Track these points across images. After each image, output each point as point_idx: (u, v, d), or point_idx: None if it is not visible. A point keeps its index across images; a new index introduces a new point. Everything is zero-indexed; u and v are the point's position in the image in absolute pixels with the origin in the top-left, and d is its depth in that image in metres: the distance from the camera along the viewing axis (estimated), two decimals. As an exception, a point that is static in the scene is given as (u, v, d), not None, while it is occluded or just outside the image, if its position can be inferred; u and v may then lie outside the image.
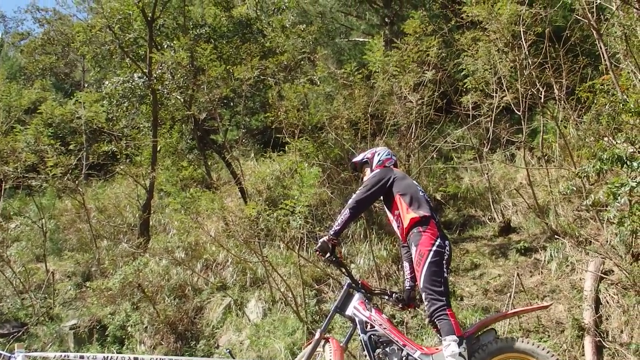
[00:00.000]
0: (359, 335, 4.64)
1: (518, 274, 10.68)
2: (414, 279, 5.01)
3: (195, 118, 15.66)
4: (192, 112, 15.14)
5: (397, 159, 5.41)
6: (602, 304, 10.03)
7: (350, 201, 4.72)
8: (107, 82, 16.73)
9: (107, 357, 5.10)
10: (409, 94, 12.68)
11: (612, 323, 9.78)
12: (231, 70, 14.23)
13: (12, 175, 14.47)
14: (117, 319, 12.56)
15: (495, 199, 13.12)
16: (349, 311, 4.71)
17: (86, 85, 20.57)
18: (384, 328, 4.57)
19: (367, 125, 12.75)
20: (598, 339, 9.34)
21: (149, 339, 12.03)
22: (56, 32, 20.21)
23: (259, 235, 11.96)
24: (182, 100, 15.29)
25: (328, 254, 4.58)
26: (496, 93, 12.03)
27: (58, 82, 22.89)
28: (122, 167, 16.38)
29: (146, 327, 12.22)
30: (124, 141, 16.20)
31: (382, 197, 4.92)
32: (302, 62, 15.80)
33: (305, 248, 12.74)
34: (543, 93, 11.33)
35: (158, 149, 15.58)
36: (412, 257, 4.82)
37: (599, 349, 9.27)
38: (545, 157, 12.35)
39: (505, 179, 13.54)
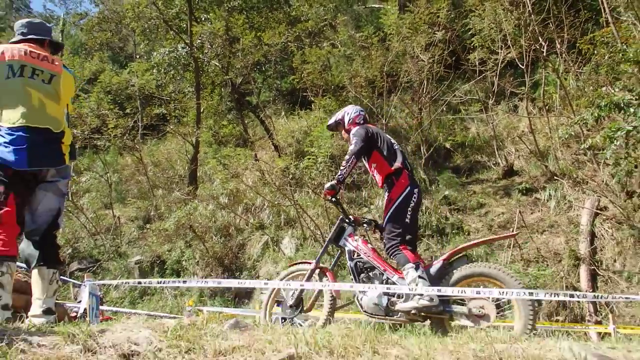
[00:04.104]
0: (347, 262, 4.59)
1: (520, 212, 10.21)
2: None
3: (232, 82, 15.20)
4: (229, 76, 14.71)
5: (365, 114, 5.07)
6: (597, 237, 9.61)
7: (349, 153, 4.58)
8: (155, 53, 16.22)
9: (160, 281, 4.79)
10: (420, 53, 12.07)
11: (606, 253, 9.42)
12: (261, 38, 13.64)
13: (80, 137, 14.27)
14: (174, 254, 12.54)
15: (500, 145, 12.45)
16: (341, 242, 4.66)
17: (137, 57, 20.18)
18: (368, 256, 4.52)
19: (383, 83, 12.24)
20: (593, 267, 9.04)
21: (200, 271, 11.99)
22: (110, 11, 19.63)
23: (290, 182, 11.64)
24: (220, 66, 14.80)
25: (334, 195, 4.53)
26: (501, 49, 11.23)
27: (113, 55, 22.55)
28: (171, 126, 16.20)
29: (197, 261, 12.20)
30: (172, 104, 15.90)
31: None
32: (324, 28, 15.08)
33: (331, 192, 12.33)
34: (545, 47, 10.50)
35: (201, 110, 15.18)
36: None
37: (593, 276, 9.01)
38: (546, 107, 11.61)
39: (509, 128, 12.81)
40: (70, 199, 13.64)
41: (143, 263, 12.87)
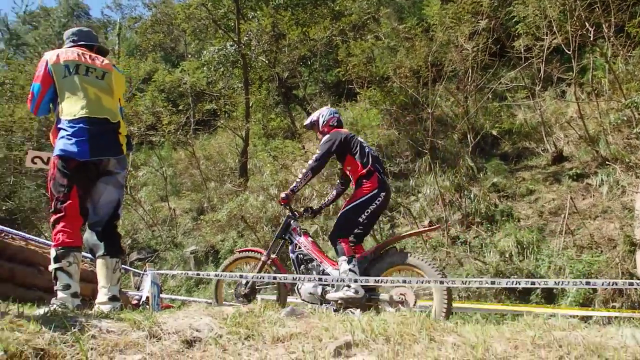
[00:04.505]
0: (290, 254, 4.92)
1: (571, 198, 10.06)
2: (327, 205, 5.56)
3: (279, 77, 15.54)
4: (276, 71, 15.02)
5: (339, 116, 5.26)
6: (652, 222, 9.36)
7: (310, 162, 4.84)
8: (205, 52, 16.76)
9: (218, 274, 5.07)
10: (465, 42, 11.97)
11: (662, 238, 9.14)
12: (307, 33, 13.87)
13: (136, 134, 14.92)
14: (227, 244, 12.94)
15: (548, 132, 12.26)
16: (286, 236, 5.02)
17: (188, 56, 20.73)
18: (308, 249, 4.86)
19: (427, 73, 12.20)
20: (649, 252, 8.78)
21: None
22: (161, 14, 20.33)
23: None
24: (267, 62, 15.16)
25: (287, 203, 4.97)
26: (546, 35, 11.05)
27: (166, 55, 23.18)
28: (222, 121, 16.66)
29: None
30: (222, 100, 16.37)
31: (335, 155, 4.97)
32: (367, 21, 15.17)
33: (378, 182, 12.47)
34: (592, 32, 10.27)
35: (250, 104, 15.55)
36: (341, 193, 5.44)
37: (650, 262, 8.73)
38: (595, 92, 11.36)
39: (557, 114, 12.57)
40: (128, 192, 14.31)
41: (198, 253, 13.35)
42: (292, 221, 5.03)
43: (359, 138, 5.06)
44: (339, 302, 4.49)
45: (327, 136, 4.96)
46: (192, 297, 10.99)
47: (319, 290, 4.64)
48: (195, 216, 14.89)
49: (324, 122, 5.13)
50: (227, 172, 16.00)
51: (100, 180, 3.64)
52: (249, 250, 5.39)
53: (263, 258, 4.93)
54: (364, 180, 4.74)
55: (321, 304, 4.64)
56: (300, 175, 4.82)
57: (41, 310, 2.74)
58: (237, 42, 14.99)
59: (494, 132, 12.94)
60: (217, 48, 16.14)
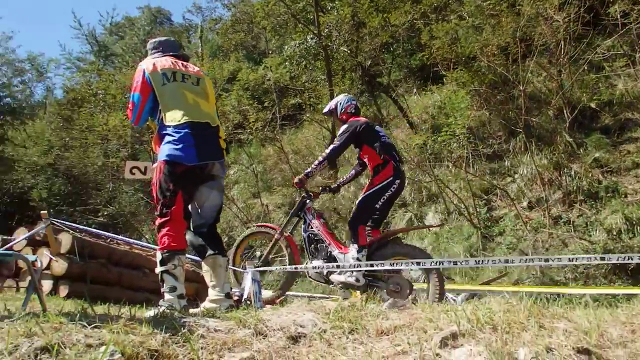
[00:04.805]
0: (302, 232, 5.21)
1: (684, 168, 9.50)
2: (344, 183, 5.87)
3: (362, 65, 15.60)
4: (358, 60, 15.09)
5: (357, 103, 5.56)
6: None
7: (327, 151, 5.14)
8: (286, 47, 17.13)
9: (316, 267, 5.31)
10: (554, 13, 11.49)
11: None
12: (387, 19, 13.84)
13: (225, 133, 15.49)
14: (321, 236, 13.09)
15: (653, 100, 11.54)
16: (301, 214, 5.27)
17: (270, 52, 21.27)
18: (319, 230, 5.11)
19: (516, 49, 11.80)
20: None
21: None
22: (241, 13, 20.96)
23: (428, 158, 11.82)
24: (349, 52, 15.26)
25: (302, 187, 5.22)
26: (647, -3, 10.38)
27: (248, 54, 23.74)
28: (307, 115, 16.96)
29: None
30: (306, 94, 16.58)
31: (353, 145, 5.27)
32: (449, 1, 14.88)
33: (471, 165, 12.29)
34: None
35: (334, 96, 15.64)
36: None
37: None
38: None
39: (661, 80, 11.79)
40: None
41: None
42: (307, 201, 5.29)
43: (377, 126, 5.33)
44: (339, 285, 4.89)
45: (344, 126, 5.24)
46: (289, 292, 11.34)
47: (325, 270, 4.92)
48: (288, 210, 15.27)
49: (342, 109, 5.40)
50: (316, 165, 16.27)
51: (205, 185, 3.73)
52: (264, 226, 5.69)
53: (276, 235, 5.17)
54: (380, 168, 5.05)
55: (326, 283, 5.06)
56: (316, 162, 5.12)
57: (150, 312, 2.94)
58: (318, 35, 15.19)
59: (593, 105, 12.33)
60: (297, 42, 16.46)
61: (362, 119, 5.34)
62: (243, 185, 17.41)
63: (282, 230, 5.19)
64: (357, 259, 4.74)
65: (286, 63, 17.02)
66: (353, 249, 4.84)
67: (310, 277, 5.17)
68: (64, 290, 5.15)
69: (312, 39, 15.91)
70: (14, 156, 17.33)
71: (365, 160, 5.23)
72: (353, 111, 5.39)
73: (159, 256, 3.42)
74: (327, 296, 9.84)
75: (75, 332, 1.99)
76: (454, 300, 6.79)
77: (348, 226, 5.10)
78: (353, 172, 5.68)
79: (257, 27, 20.20)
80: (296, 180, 5.18)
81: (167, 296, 3.38)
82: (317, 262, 5.00)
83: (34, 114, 17.41)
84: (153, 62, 3.73)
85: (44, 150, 19.06)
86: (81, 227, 5.52)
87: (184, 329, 2.19)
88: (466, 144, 11.65)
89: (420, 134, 12.16)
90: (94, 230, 5.50)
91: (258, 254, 5.37)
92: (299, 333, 2.33)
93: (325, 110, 5.68)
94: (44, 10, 69.58)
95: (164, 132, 3.58)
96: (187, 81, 3.76)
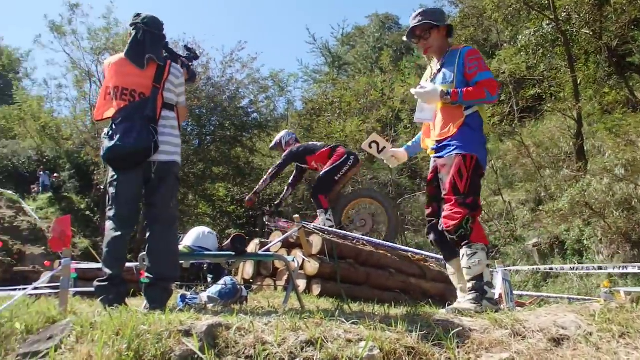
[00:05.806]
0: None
1: None
2: (284, 197, 7.47)
3: (608, 46, 14.23)
4: (603, 41, 13.84)
5: (295, 135, 7.26)
6: None
7: (270, 170, 6.83)
8: (520, 37, 16.52)
9: (573, 267, 5.21)
10: None
11: None
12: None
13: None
14: (572, 234, 12.40)
15: None
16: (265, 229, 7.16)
17: (503, 44, 20.56)
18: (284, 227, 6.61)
19: None
20: None
21: (605, 249, 11.57)
22: (469, 8, 20.74)
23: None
24: (591, 33, 14.10)
25: (252, 205, 7.47)
26: None
27: (479, 47, 22.76)
28: (548, 105, 16.11)
29: (600, 239, 11.78)
30: (545, 83, 15.82)
31: (298, 162, 6.91)
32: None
33: None
34: None
35: (578, 82, 14.67)
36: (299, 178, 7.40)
37: None
38: None
39: None
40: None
41: (541, 245, 13.08)
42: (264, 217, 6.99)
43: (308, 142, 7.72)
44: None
45: (287, 150, 6.82)
46: (540, 292, 10.84)
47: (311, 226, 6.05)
48: (533, 207, 14.79)
49: (285, 142, 6.98)
50: (562, 158, 15.40)
51: None
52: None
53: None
54: (332, 153, 6.56)
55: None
56: (261, 181, 6.85)
57: (398, 310, 3.07)
58: (554, 20, 14.38)
59: None
60: (532, 30, 15.75)
61: (299, 144, 7.03)
62: (483, 182, 17.29)
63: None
64: (327, 219, 6.24)
65: (521, 53, 16.39)
66: (321, 214, 6.28)
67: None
68: (316, 289, 5.45)
69: (548, 24, 15.08)
70: (262, 166, 19.66)
71: (318, 164, 6.62)
72: (293, 142, 6.98)
73: (482, 251, 3.16)
74: (589, 298, 9.26)
75: (335, 327, 2.13)
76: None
77: (312, 197, 6.65)
78: (290, 188, 7.24)
79: (488, 20, 19.83)
80: (250, 198, 6.83)
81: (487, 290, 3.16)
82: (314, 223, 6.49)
83: (277, 126, 19.75)
84: None
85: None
86: (329, 229, 6.04)
87: (438, 327, 2.22)
88: None
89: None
90: (341, 232, 6.20)
91: None
92: (561, 335, 2.26)
93: (272, 144, 7.29)
94: (282, 31, 78.97)
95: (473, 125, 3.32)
96: None
